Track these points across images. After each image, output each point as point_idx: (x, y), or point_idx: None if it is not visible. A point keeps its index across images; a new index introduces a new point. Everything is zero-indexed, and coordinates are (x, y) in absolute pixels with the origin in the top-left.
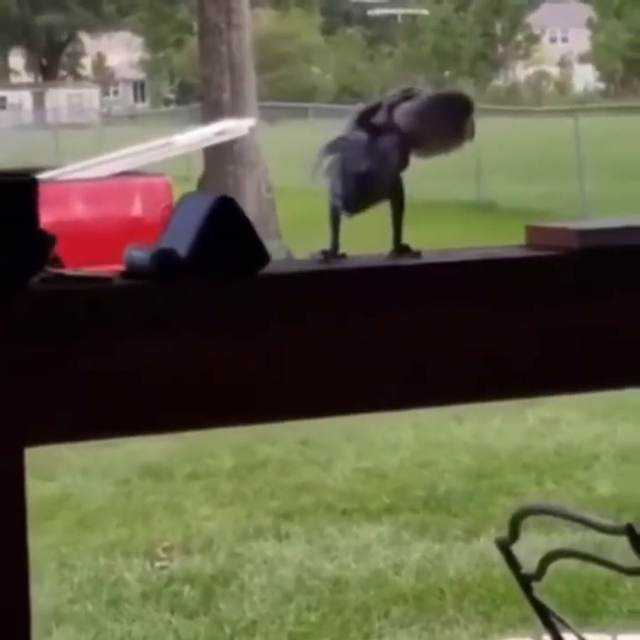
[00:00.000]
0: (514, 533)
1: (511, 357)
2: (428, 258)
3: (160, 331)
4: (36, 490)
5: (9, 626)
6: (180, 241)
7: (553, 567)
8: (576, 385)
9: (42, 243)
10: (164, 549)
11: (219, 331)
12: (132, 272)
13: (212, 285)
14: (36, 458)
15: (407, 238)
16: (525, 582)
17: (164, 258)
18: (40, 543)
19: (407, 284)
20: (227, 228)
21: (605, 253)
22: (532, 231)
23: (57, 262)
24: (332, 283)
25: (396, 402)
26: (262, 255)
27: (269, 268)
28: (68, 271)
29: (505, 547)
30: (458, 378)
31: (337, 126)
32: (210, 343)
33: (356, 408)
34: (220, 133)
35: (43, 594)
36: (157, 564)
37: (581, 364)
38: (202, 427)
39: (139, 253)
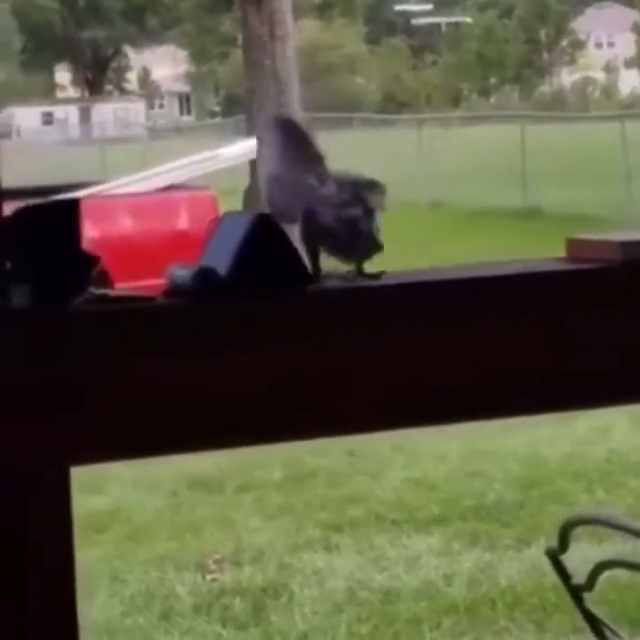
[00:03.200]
0: (563, 543)
1: (551, 372)
2: (473, 272)
3: (202, 349)
4: (87, 503)
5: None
6: (221, 260)
7: (605, 577)
8: (617, 398)
9: (84, 264)
10: (215, 562)
11: (259, 349)
12: (174, 291)
13: (252, 304)
14: (86, 472)
15: (459, 248)
16: (576, 593)
17: (205, 277)
18: (91, 557)
19: (451, 298)
20: (266, 247)
21: None
22: (572, 244)
23: (104, 277)
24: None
25: (422, 419)
26: (303, 272)
27: (311, 286)
28: (111, 291)
29: (554, 557)
30: (509, 390)
31: (382, 135)
32: (251, 361)
33: (402, 423)
34: None
35: (95, 608)
36: (208, 577)
37: (624, 378)
38: (243, 444)
39: (180, 272)
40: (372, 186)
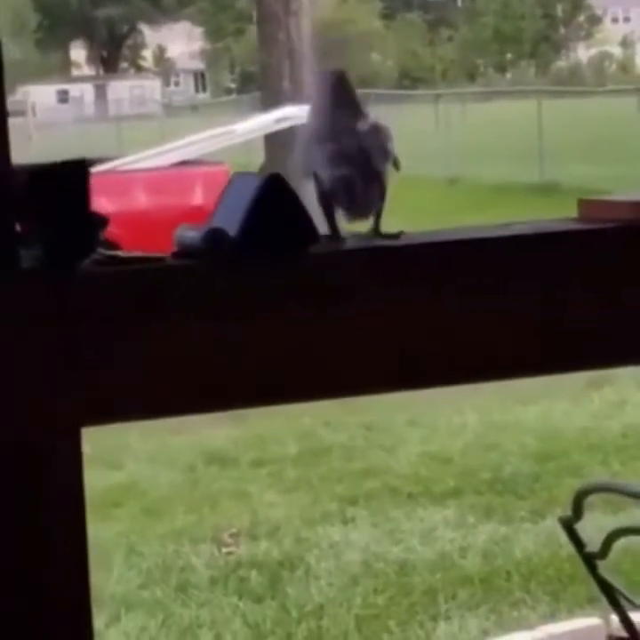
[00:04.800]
0: (577, 512)
1: (565, 330)
2: (483, 232)
3: (211, 309)
4: (104, 478)
5: (70, 609)
6: (231, 220)
7: (620, 546)
8: (621, 358)
9: (94, 225)
10: (231, 535)
11: (269, 309)
12: (183, 252)
13: (261, 263)
14: (103, 447)
15: (472, 222)
16: (590, 560)
17: (215, 237)
18: (109, 531)
19: (459, 260)
20: (276, 207)
21: None
22: (583, 204)
23: (117, 250)
24: (386, 259)
25: (446, 377)
26: (312, 233)
27: (320, 247)
28: (120, 252)
29: (568, 525)
30: (511, 351)
31: (399, 111)
32: (262, 322)
33: (407, 385)
34: (280, 120)
35: (112, 580)
36: (224, 550)
37: (630, 338)
38: (256, 404)
39: (190, 233)
40: (388, 153)
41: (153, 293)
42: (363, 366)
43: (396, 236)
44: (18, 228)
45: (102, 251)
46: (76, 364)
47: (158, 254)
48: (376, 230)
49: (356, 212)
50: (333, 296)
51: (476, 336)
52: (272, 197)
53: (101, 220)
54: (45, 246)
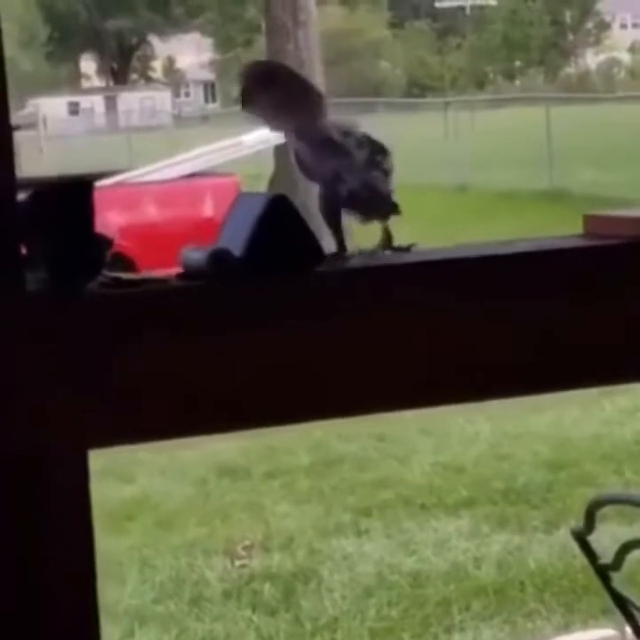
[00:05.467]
0: (590, 523)
1: (571, 347)
2: (489, 250)
3: (216, 330)
4: (116, 492)
5: (78, 627)
6: (235, 241)
7: (634, 557)
8: (629, 376)
9: (99, 246)
10: (244, 548)
11: (274, 330)
12: (187, 273)
13: (266, 284)
14: (115, 461)
15: (485, 230)
16: (603, 572)
17: (219, 258)
18: (122, 544)
19: (463, 278)
20: (281, 227)
21: None
22: (589, 220)
23: (129, 265)
24: (391, 278)
25: (439, 398)
26: (317, 252)
27: (327, 265)
28: (125, 274)
29: (581, 537)
30: (515, 369)
31: (407, 120)
32: (265, 342)
33: (422, 403)
34: None
35: (126, 594)
36: (237, 563)
37: (633, 356)
38: (265, 424)
39: (195, 254)
40: (383, 148)
41: (158, 315)
42: (370, 385)
43: (407, 248)
44: (23, 250)
45: (107, 273)
46: (82, 386)
47: (162, 276)
48: (388, 243)
49: (385, 212)
50: (340, 315)
51: (481, 353)
52: (277, 217)
53: (106, 242)
54: (50, 269)
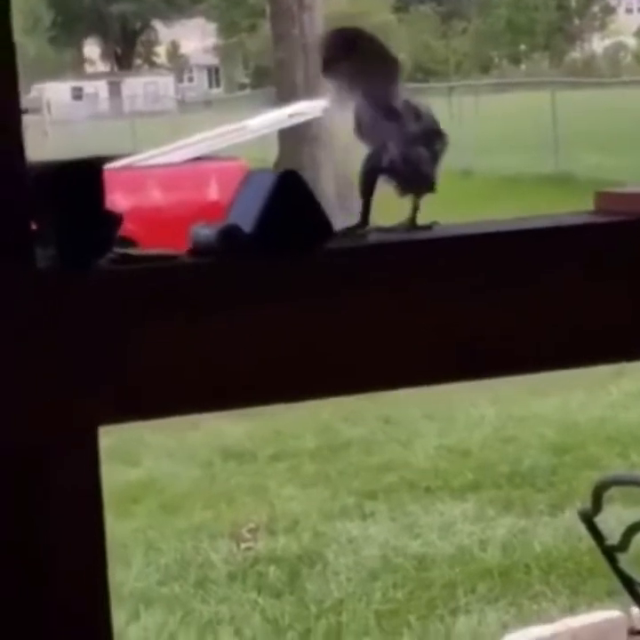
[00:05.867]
0: (597, 505)
1: (582, 324)
2: (520, 224)
3: (226, 306)
4: (122, 475)
5: (89, 605)
6: (246, 217)
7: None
8: None
9: (109, 223)
10: (250, 530)
11: (283, 306)
12: (197, 250)
13: (276, 261)
14: (121, 443)
15: (487, 213)
16: (610, 553)
17: (230, 234)
18: (127, 527)
19: (476, 254)
20: (291, 203)
21: None
22: (601, 197)
23: (133, 246)
24: (402, 254)
25: (461, 374)
26: (327, 229)
27: (336, 242)
28: (134, 251)
29: (588, 518)
30: (529, 345)
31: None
32: (274, 319)
33: (423, 381)
34: (294, 115)
35: (131, 576)
36: (243, 545)
37: None
38: (276, 401)
39: (205, 231)
40: (440, 130)
41: (168, 291)
42: (381, 361)
43: (429, 227)
44: (33, 226)
45: (117, 249)
46: (92, 362)
47: (172, 252)
48: (411, 222)
49: (418, 188)
50: (349, 292)
51: (494, 330)
52: (287, 194)
53: (116, 219)
54: (60, 246)
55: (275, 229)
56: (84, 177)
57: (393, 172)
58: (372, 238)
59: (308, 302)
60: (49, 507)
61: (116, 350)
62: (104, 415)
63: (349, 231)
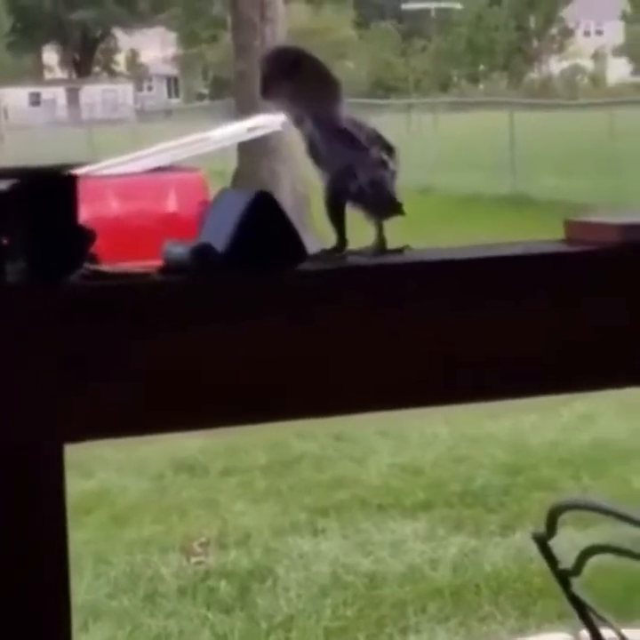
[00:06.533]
0: (551, 528)
1: (548, 353)
2: (477, 252)
3: (198, 325)
4: (73, 486)
5: (50, 619)
6: (218, 236)
7: (591, 562)
8: (615, 381)
9: (81, 239)
10: (200, 545)
11: (255, 325)
12: (170, 267)
13: (248, 281)
14: (73, 454)
15: (448, 234)
16: (563, 578)
17: (203, 253)
18: (77, 538)
19: (442, 279)
20: (265, 224)
21: None
22: (571, 226)
23: (92, 259)
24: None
25: (428, 398)
26: (300, 251)
27: (308, 264)
28: (107, 267)
29: (542, 542)
30: (494, 374)
31: (371, 121)
32: (248, 338)
33: (387, 404)
34: (254, 129)
35: (80, 589)
36: (193, 560)
37: (623, 360)
38: (239, 422)
39: (177, 249)
40: (391, 146)
41: (140, 309)
42: (351, 385)
43: (400, 250)
44: (4, 240)
45: (88, 265)
46: (60, 378)
47: (145, 270)
48: (381, 245)
49: (387, 212)
50: (320, 314)
51: (464, 355)
52: (261, 214)
53: (89, 234)
54: (31, 260)
55: (248, 249)
56: (57, 190)
57: (361, 198)
58: (345, 261)
59: (281, 322)
60: (14, 522)
61: (84, 367)
62: (71, 433)
63: (325, 254)
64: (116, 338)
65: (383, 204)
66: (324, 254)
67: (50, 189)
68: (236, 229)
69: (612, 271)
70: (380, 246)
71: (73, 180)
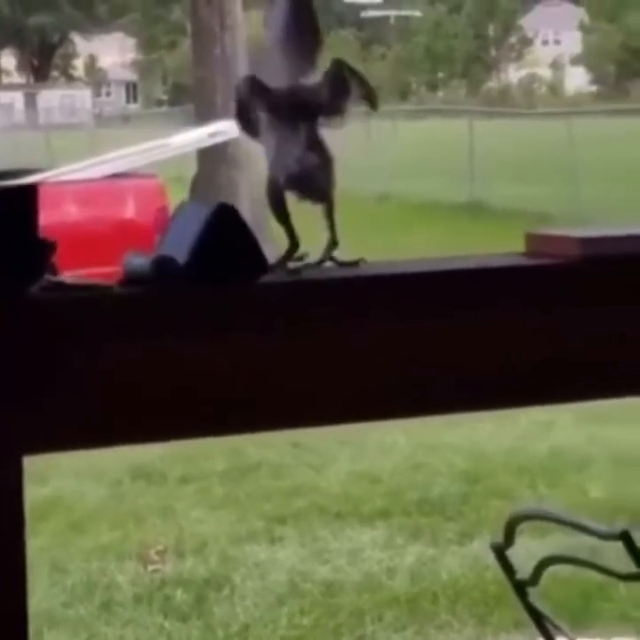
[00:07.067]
0: (509, 538)
1: (510, 366)
2: (434, 265)
3: (159, 337)
4: (28, 492)
5: (6, 628)
6: (179, 248)
7: (548, 571)
8: (575, 394)
9: (42, 250)
10: (157, 552)
11: (217, 338)
12: (130, 279)
13: (210, 293)
14: (28, 461)
15: (405, 241)
16: (520, 588)
17: (164, 265)
18: (32, 546)
19: (400, 292)
20: (226, 236)
21: (606, 262)
22: (531, 239)
23: (53, 269)
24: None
25: (389, 411)
26: (262, 263)
27: (270, 277)
28: (68, 279)
29: (500, 552)
30: (454, 387)
31: (330, 127)
32: (209, 351)
33: (351, 417)
34: (214, 135)
35: (35, 597)
36: (150, 568)
37: (582, 374)
38: (200, 435)
39: (138, 260)
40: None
41: (100, 321)
42: (314, 398)
43: (355, 263)
44: None
45: (49, 277)
46: (20, 391)
47: (105, 282)
48: (331, 249)
49: (316, 197)
50: (282, 327)
51: (422, 369)
52: (222, 226)
53: (49, 246)
54: None
55: (209, 261)
56: (17, 201)
57: (292, 183)
58: (306, 273)
59: (240, 336)
60: None
61: (43, 380)
62: (29, 445)
63: (282, 259)
64: (75, 350)
65: (313, 187)
66: (281, 261)
67: (9, 201)
68: (197, 241)
69: (572, 285)
70: (332, 248)
71: (33, 190)
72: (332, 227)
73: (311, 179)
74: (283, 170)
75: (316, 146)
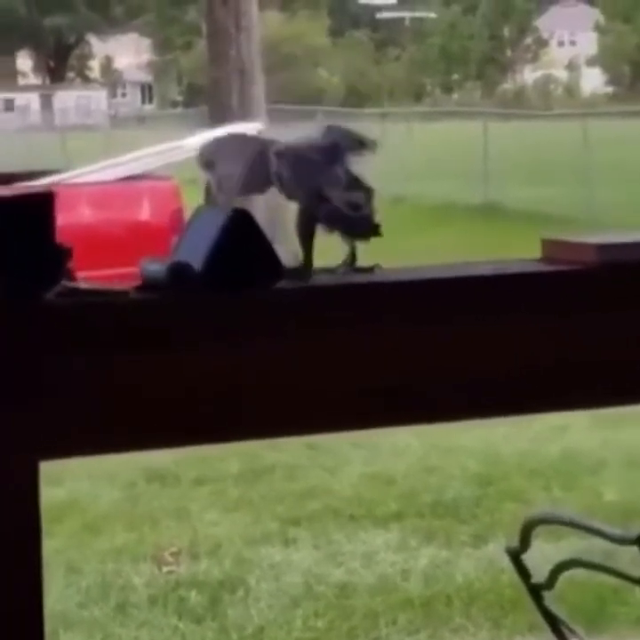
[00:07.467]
0: (524, 542)
1: (528, 373)
2: (450, 271)
3: (175, 344)
4: (43, 495)
5: (22, 629)
6: (195, 254)
7: (563, 575)
8: (593, 400)
9: (58, 256)
10: (172, 554)
11: (232, 344)
12: (147, 285)
13: (225, 299)
14: (43, 463)
15: (420, 243)
16: (536, 591)
17: (179, 271)
18: (48, 547)
19: (415, 298)
20: (242, 242)
21: (623, 269)
22: (548, 245)
23: (69, 275)
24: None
25: (404, 417)
26: (277, 269)
27: (286, 283)
28: (84, 284)
29: (516, 556)
30: (471, 393)
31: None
32: (226, 356)
33: (362, 423)
34: None
35: (50, 598)
36: (165, 569)
37: (600, 380)
38: (216, 440)
39: (154, 266)
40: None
41: (116, 327)
42: (328, 404)
43: (371, 269)
44: None
45: (65, 282)
46: (36, 397)
47: (121, 287)
48: (351, 264)
49: (358, 235)
50: (297, 332)
51: (437, 375)
52: (238, 232)
53: (65, 252)
54: (8, 276)
55: (224, 267)
56: (35, 207)
57: (334, 221)
58: (316, 280)
59: (256, 341)
60: None
61: (58, 385)
62: (46, 450)
63: (292, 273)
64: (91, 355)
65: (359, 225)
66: (292, 273)
67: (27, 207)
68: (213, 247)
69: (590, 291)
70: (351, 263)
71: (50, 197)
72: (354, 246)
73: (357, 219)
74: (323, 207)
75: (355, 183)
